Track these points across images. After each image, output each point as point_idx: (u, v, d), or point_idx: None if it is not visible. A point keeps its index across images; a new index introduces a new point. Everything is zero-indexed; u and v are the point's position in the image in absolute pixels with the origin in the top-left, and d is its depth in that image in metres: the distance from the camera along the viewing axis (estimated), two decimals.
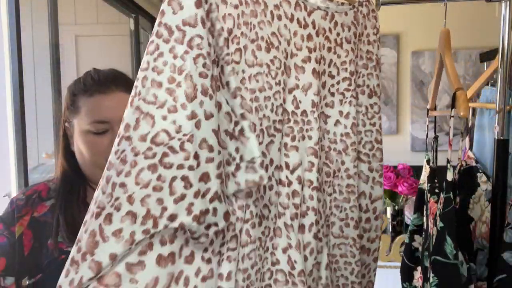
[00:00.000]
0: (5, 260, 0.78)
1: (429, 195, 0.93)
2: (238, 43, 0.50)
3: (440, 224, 0.72)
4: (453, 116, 0.75)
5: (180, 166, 0.44)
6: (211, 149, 0.45)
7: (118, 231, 0.42)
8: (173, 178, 0.43)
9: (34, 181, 1.59)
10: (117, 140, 0.44)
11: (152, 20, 2.99)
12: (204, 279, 0.47)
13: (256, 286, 0.54)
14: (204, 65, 0.45)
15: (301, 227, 0.60)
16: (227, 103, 0.49)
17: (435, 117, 1.04)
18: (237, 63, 0.50)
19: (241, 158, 0.50)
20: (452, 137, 0.75)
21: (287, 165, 0.59)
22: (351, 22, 0.66)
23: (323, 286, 0.64)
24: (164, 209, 0.43)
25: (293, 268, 0.57)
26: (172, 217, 0.44)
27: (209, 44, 0.46)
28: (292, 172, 0.59)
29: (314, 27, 0.61)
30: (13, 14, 1.50)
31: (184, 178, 0.44)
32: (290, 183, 0.58)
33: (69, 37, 2.61)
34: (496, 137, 0.83)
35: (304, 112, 0.60)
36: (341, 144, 0.67)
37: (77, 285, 0.42)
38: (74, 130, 0.84)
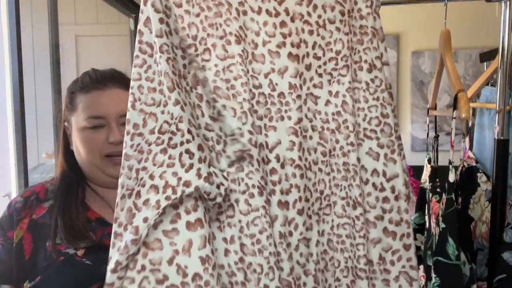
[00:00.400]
0: None
1: (430, 194, 0.93)
2: (205, 44, 0.62)
3: (442, 225, 0.72)
4: (455, 118, 0.75)
5: (181, 143, 0.58)
6: (197, 127, 0.59)
7: (146, 201, 0.56)
8: (180, 154, 0.57)
9: (34, 181, 1.59)
10: (128, 137, 0.59)
11: None
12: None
13: (269, 251, 0.61)
14: (173, 66, 0.58)
15: (285, 204, 0.64)
16: (206, 94, 0.62)
17: (435, 116, 1.04)
18: (208, 60, 0.62)
19: (225, 135, 0.62)
20: (454, 138, 0.75)
21: (266, 144, 0.64)
22: (335, 2, 0.68)
23: (314, 263, 0.67)
24: (179, 179, 0.56)
25: (260, 232, 0.62)
26: (187, 184, 0.56)
27: (176, 48, 0.59)
28: (270, 151, 0.64)
29: (287, 14, 0.66)
30: (13, 14, 1.50)
31: (187, 151, 0.57)
32: (268, 161, 0.64)
33: (69, 37, 2.61)
34: (496, 137, 0.83)
35: (281, 94, 0.65)
36: (333, 123, 0.68)
37: (123, 249, 0.55)
38: (72, 128, 0.84)
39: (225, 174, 0.60)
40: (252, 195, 0.61)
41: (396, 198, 0.68)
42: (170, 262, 0.56)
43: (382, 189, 0.68)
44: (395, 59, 3.53)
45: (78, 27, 2.70)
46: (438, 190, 0.92)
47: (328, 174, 0.69)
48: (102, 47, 2.73)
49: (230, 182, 0.61)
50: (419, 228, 1.00)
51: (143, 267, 0.56)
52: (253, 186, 0.61)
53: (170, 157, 0.57)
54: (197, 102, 0.60)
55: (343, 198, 0.68)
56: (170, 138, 0.58)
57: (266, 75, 0.65)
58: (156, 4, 0.58)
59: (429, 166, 0.96)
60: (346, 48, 0.68)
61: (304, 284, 0.66)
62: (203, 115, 0.61)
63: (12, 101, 1.53)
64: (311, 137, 0.67)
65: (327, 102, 0.69)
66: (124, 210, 0.57)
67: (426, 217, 0.96)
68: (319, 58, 0.68)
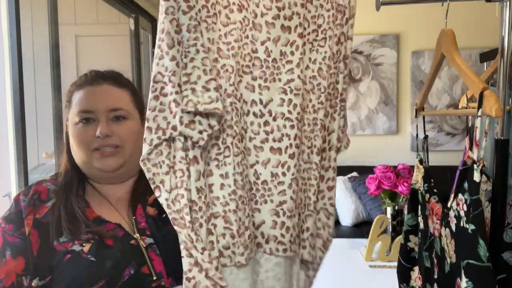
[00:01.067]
0: (23, 259, 0.78)
1: (427, 195, 0.92)
2: (214, 9, 0.71)
3: (470, 226, 0.71)
4: (480, 116, 0.74)
5: (171, 93, 0.67)
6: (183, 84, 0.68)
7: (145, 139, 0.69)
8: (170, 102, 0.68)
9: (34, 181, 1.58)
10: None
11: (152, 20, 2.99)
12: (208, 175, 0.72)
13: (247, 187, 0.75)
14: (176, 26, 0.67)
15: (278, 150, 0.77)
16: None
17: (423, 117, 1.03)
18: (215, 23, 0.71)
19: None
20: (478, 137, 0.73)
21: (261, 101, 0.76)
22: None
23: (293, 200, 0.79)
24: (168, 123, 0.68)
25: (258, 178, 0.76)
26: (174, 128, 0.68)
27: (185, 12, 0.67)
28: (264, 106, 0.76)
29: None
30: (13, 14, 1.50)
31: (175, 101, 0.67)
32: (262, 115, 0.76)
33: (69, 37, 2.61)
34: (496, 137, 0.83)
35: (274, 60, 0.77)
36: (309, 85, 0.80)
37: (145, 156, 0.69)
38: (68, 123, 0.86)
39: (213, 122, 0.69)
40: (240, 140, 0.73)
41: (330, 149, 0.83)
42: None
43: (324, 142, 0.82)
44: (395, 59, 3.53)
45: (78, 27, 2.70)
46: (435, 190, 0.92)
47: (300, 128, 0.81)
48: (102, 47, 2.73)
49: (228, 128, 0.72)
50: (412, 230, 1.00)
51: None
52: (239, 133, 0.73)
53: (161, 104, 0.68)
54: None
55: (308, 147, 0.81)
56: (162, 88, 0.68)
57: (262, 43, 0.76)
58: None
59: (421, 167, 0.95)
60: (326, 23, 0.80)
61: (295, 215, 0.78)
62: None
63: (12, 101, 1.54)
64: (303, 96, 0.79)
65: (307, 67, 0.80)
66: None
67: (420, 218, 0.96)
68: (305, 29, 0.79)
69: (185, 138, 0.69)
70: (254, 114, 0.76)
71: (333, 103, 0.83)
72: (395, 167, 1.86)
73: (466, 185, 0.75)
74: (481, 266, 0.69)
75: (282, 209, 0.77)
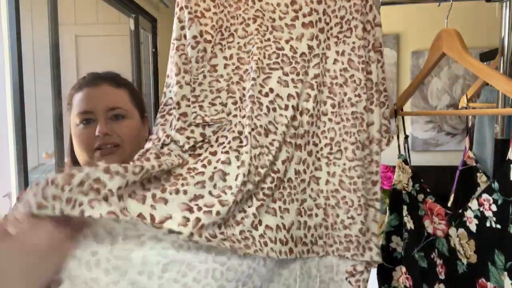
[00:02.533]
0: None
1: (421, 195, 0.91)
2: (229, 31, 0.78)
3: (511, 227, 0.70)
4: None
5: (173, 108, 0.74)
6: (188, 100, 0.74)
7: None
8: (173, 117, 0.73)
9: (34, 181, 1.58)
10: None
11: (152, 20, 2.99)
12: (223, 162, 0.71)
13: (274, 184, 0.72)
14: (185, 58, 0.75)
15: (298, 146, 0.76)
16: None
17: (403, 117, 1.01)
18: (231, 42, 0.78)
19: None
20: None
21: (297, 95, 0.76)
22: None
23: (324, 198, 0.78)
24: (164, 132, 0.73)
25: (284, 176, 0.74)
26: (167, 136, 0.72)
27: (193, 47, 0.75)
28: (288, 100, 0.76)
29: None
30: (13, 14, 1.50)
31: (174, 116, 0.73)
32: (297, 109, 0.76)
33: (69, 37, 2.61)
34: (496, 137, 0.83)
35: (303, 54, 0.77)
36: (341, 78, 0.79)
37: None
38: (71, 127, 0.88)
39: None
40: (259, 133, 0.72)
41: (370, 142, 0.80)
42: None
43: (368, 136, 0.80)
44: (395, 59, 3.53)
45: (78, 27, 2.70)
46: (428, 190, 0.91)
47: (338, 123, 0.79)
48: (102, 47, 2.73)
49: (247, 119, 0.72)
50: (394, 230, 0.99)
51: None
52: (260, 126, 0.72)
53: (165, 120, 0.74)
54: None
55: (353, 143, 0.77)
56: (170, 109, 0.74)
57: (286, 41, 0.78)
58: (180, 17, 0.76)
59: (407, 167, 0.94)
60: (348, 13, 0.79)
61: (316, 215, 0.77)
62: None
63: (12, 101, 1.54)
64: (322, 92, 0.79)
65: (335, 61, 0.80)
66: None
67: (407, 219, 0.94)
68: (327, 24, 0.80)
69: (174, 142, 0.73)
70: (292, 107, 0.75)
71: (369, 95, 0.80)
72: (395, 167, 1.86)
73: (495, 185, 0.74)
74: None
75: (303, 208, 0.76)
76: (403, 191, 0.95)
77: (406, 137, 0.99)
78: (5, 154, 1.58)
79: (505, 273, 0.71)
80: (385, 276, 1.00)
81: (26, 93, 1.55)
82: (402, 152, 0.97)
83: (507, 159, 0.70)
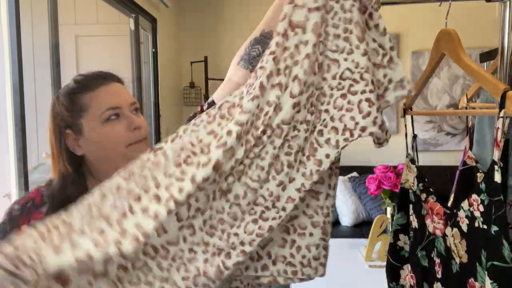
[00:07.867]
0: None
1: (424, 195, 0.92)
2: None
3: (494, 228, 0.70)
4: (502, 117, 0.72)
5: (363, 91, 0.60)
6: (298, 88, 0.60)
7: (329, 140, 0.62)
8: (360, 101, 0.60)
9: (34, 181, 1.59)
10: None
11: (152, 20, 2.99)
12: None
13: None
14: (313, 64, 0.59)
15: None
16: (374, 41, 0.63)
17: (412, 116, 1.01)
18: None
19: (389, 81, 0.63)
20: (500, 138, 0.72)
21: None
22: None
23: (323, 216, 0.70)
24: (357, 124, 0.60)
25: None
26: (363, 129, 0.60)
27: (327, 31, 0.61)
28: None
29: None
30: (13, 14, 1.50)
31: (368, 100, 0.60)
32: None
33: (69, 37, 2.61)
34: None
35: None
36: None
37: (309, 176, 0.62)
38: (83, 129, 0.83)
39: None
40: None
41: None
42: None
43: None
44: None
45: (78, 27, 2.70)
46: (431, 190, 0.91)
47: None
48: (102, 47, 2.73)
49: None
50: (402, 229, 1.00)
51: None
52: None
53: (349, 103, 0.61)
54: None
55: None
56: (351, 85, 0.61)
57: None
58: None
59: (413, 166, 0.95)
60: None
61: (310, 234, 0.69)
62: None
63: (12, 101, 1.54)
64: None
65: None
66: (308, 142, 0.62)
67: (412, 217, 0.95)
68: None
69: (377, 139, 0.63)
70: None
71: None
72: (395, 167, 1.86)
73: (483, 185, 0.74)
74: (506, 268, 0.69)
75: (292, 225, 0.69)
76: (410, 190, 0.96)
77: (415, 136, 0.99)
78: (5, 154, 1.58)
79: (486, 272, 0.72)
80: (393, 274, 1.00)
81: (26, 93, 1.55)
82: (410, 151, 0.97)
83: (492, 160, 0.71)
